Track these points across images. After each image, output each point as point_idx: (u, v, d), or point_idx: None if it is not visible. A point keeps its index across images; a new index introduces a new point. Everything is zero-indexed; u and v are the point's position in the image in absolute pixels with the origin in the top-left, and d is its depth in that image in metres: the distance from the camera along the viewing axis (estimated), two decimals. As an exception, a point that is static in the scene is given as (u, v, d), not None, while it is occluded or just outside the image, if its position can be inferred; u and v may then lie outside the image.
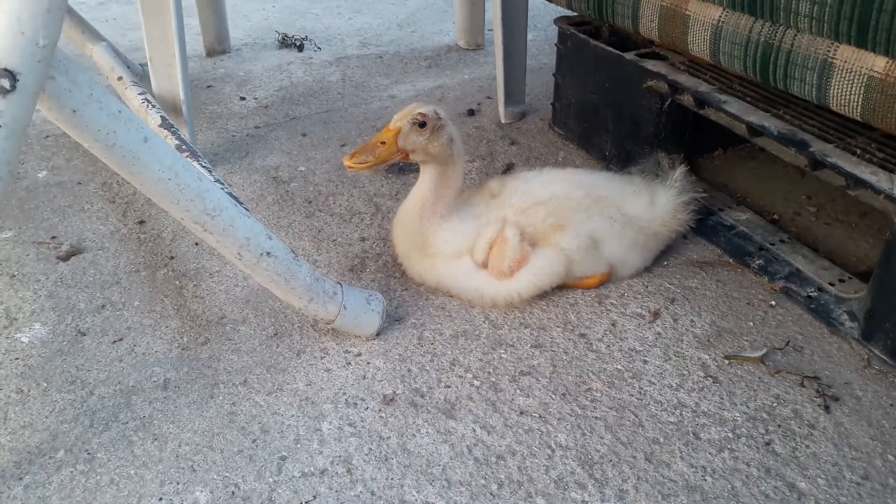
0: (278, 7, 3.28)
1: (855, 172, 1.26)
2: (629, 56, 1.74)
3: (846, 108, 1.29)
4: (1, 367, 1.29)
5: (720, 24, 1.47)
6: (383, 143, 1.32)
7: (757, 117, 1.44)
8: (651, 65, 1.69)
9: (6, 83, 0.76)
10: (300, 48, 2.77)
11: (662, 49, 1.77)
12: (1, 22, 0.76)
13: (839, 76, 1.28)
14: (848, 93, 1.27)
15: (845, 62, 1.26)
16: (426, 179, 1.37)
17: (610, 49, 1.79)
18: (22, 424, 1.18)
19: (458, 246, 1.39)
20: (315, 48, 2.78)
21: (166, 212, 1.71)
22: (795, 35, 1.34)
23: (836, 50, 1.28)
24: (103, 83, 2.29)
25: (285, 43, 2.80)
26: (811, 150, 1.33)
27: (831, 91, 1.30)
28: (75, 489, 1.08)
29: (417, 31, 2.99)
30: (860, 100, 1.25)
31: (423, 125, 1.32)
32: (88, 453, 1.13)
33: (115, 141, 0.92)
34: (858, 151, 1.30)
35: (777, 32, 1.37)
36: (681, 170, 1.50)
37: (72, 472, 1.10)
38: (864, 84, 1.24)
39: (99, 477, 1.09)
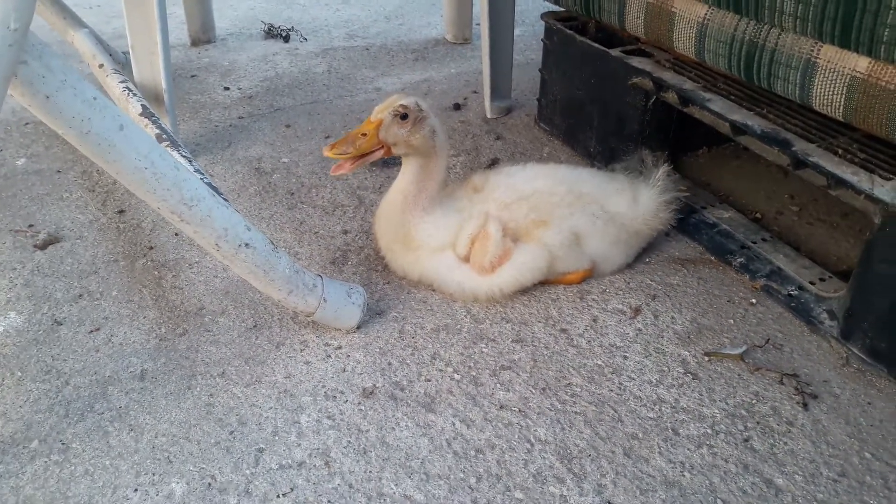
0: (265, -3, 3.25)
1: (836, 172, 1.26)
2: (615, 52, 1.74)
3: (829, 107, 1.29)
4: (-26, 357, 1.27)
5: (706, 21, 1.47)
6: (364, 134, 1.31)
7: (740, 116, 1.45)
8: (636, 62, 1.68)
9: (-23, 66, 0.74)
10: (286, 39, 2.75)
11: (648, 46, 1.77)
12: (-27, 3, 0.74)
13: (822, 76, 1.28)
14: (831, 93, 1.28)
15: (829, 62, 1.27)
16: (408, 172, 1.37)
17: (596, 45, 1.79)
18: (-5, 414, 1.17)
19: (440, 239, 1.38)
20: (301, 39, 2.76)
21: (145, 201, 1.70)
22: (780, 34, 1.34)
23: (819, 49, 1.28)
24: (85, 70, 2.27)
25: (271, 33, 2.78)
26: (794, 149, 1.33)
27: (814, 90, 1.30)
28: (49, 479, 1.06)
29: (405, 23, 2.97)
30: (843, 100, 1.26)
31: (404, 117, 1.31)
32: (63, 443, 1.12)
33: (89, 128, 0.90)
34: (840, 151, 1.31)
35: (762, 31, 1.37)
36: (664, 169, 1.50)
37: (46, 462, 1.09)
38: (846, 84, 1.24)
39: (73, 467, 1.08)
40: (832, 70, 1.27)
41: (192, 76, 2.42)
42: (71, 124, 0.88)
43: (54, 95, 0.85)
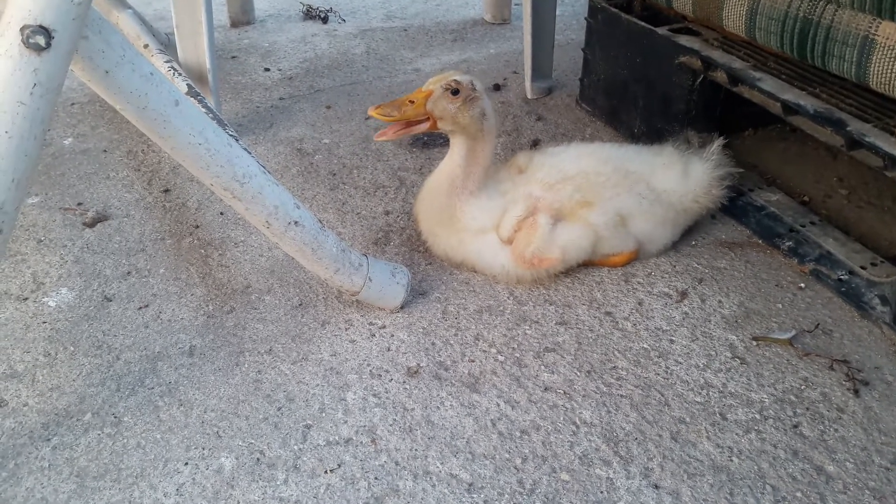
0: (303, -22, 3.25)
1: (893, 153, 1.23)
2: (662, 31, 1.71)
3: (887, 86, 1.26)
4: (29, 331, 1.30)
5: (758, -1, 1.44)
6: (412, 101, 1.31)
7: (792, 95, 1.41)
8: (684, 40, 1.65)
9: (42, 40, 0.75)
10: (325, 20, 2.75)
11: (696, 25, 1.74)
12: (36, -21, 0.75)
13: (880, 53, 1.24)
14: (889, 70, 1.24)
15: (887, 39, 1.23)
16: (455, 154, 1.36)
17: (642, 24, 1.76)
18: (49, 387, 1.19)
19: (484, 222, 1.37)
20: (339, 20, 2.76)
21: (191, 180, 1.72)
22: (836, 10, 1.31)
23: (878, 26, 1.24)
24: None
25: (309, 14, 2.78)
26: (848, 129, 1.30)
27: (872, 69, 1.27)
28: (102, 451, 1.09)
29: (443, 4, 2.95)
30: (902, 78, 1.22)
31: (455, 92, 1.30)
32: (115, 417, 1.14)
33: (146, 104, 0.91)
34: (897, 132, 1.27)
35: (816, 8, 1.33)
36: (718, 143, 1.47)
37: (99, 434, 1.11)
38: (906, 62, 1.21)
39: (125, 440, 1.10)
40: (891, 48, 1.23)
41: (233, 57, 2.43)
42: (129, 99, 0.89)
43: (113, 70, 0.86)
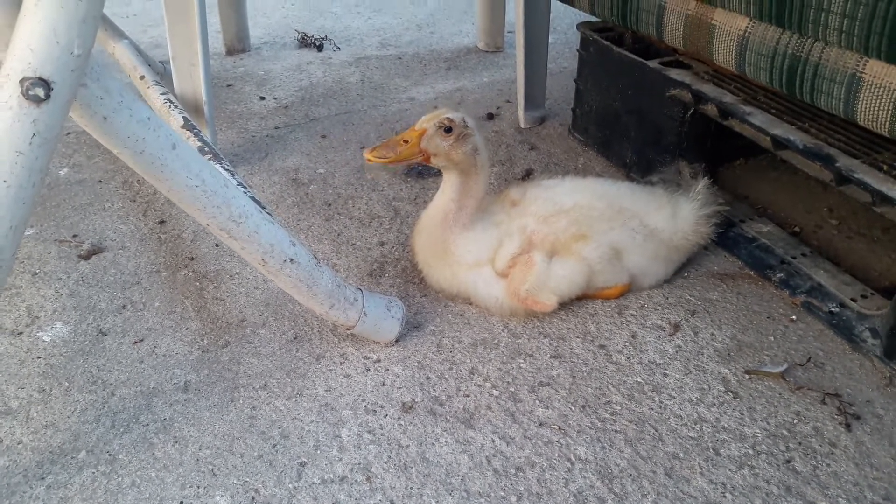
0: (298, 5, 3.28)
1: (882, 189, 1.25)
2: (652, 64, 1.73)
3: (874, 123, 1.28)
4: (23, 366, 1.30)
5: (747, 34, 1.46)
6: (406, 141, 1.32)
7: (782, 130, 1.43)
8: (675, 73, 1.68)
9: (41, 92, 0.76)
10: (319, 48, 2.77)
11: (686, 58, 1.76)
12: (37, 31, 0.76)
13: (868, 91, 1.26)
14: (876, 108, 1.26)
15: (874, 77, 1.25)
16: (448, 189, 1.37)
17: (633, 56, 1.78)
18: (44, 424, 1.19)
19: (478, 255, 1.38)
20: (334, 48, 2.78)
21: (194, 218, 1.72)
22: (824, 48, 1.33)
23: (865, 64, 1.27)
24: (124, 80, 2.30)
25: (305, 42, 2.80)
26: (837, 164, 1.32)
27: (859, 106, 1.29)
28: (97, 490, 1.08)
29: (437, 31, 2.98)
30: (889, 115, 1.24)
31: (448, 130, 1.31)
32: (110, 454, 1.14)
33: (144, 148, 0.92)
34: (885, 167, 1.29)
35: (805, 45, 1.36)
36: (703, 182, 1.49)
37: (93, 472, 1.11)
38: (893, 100, 1.22)
39: (120, 479, 1.10)
40: (878, 85, 1.25)
41: (228, 85, 2.45)
42: (126, 144, 0.90)
43: (111, 117, 0.87)
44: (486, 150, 1.38)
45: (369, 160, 1.30)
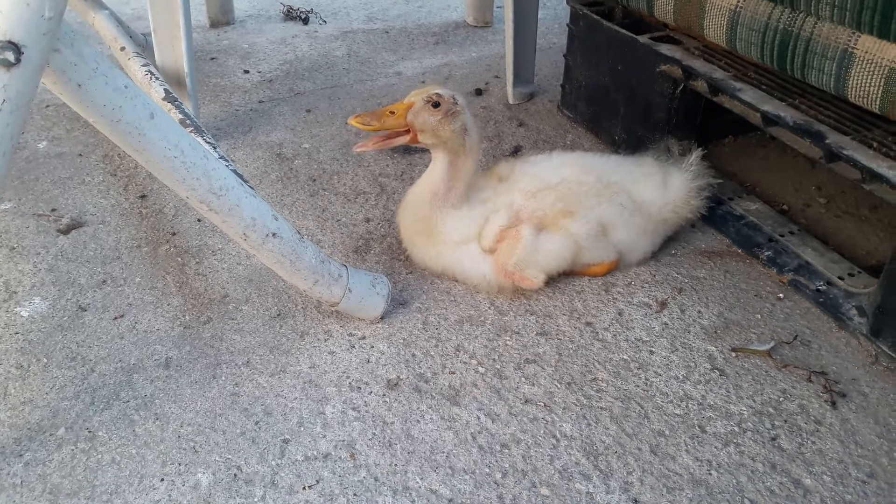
0: (283, -22, 3.22)
1: (871, 166, 1.24)
2: (643, 39, 1.71)
3: (865, 99, 1.27)
4: (0, 342, 1.28)
5: (738, 9, 1.44)
6: (393, 112, 1.30)
7: (772, 106, 1.42)
8: (665, 49, 1.65)
9: (11, 56, 0.73)
10: (305, 21, 2.72)
11: (677, 33, 1.74)
12: (6, -8, 0.73)
13: (859, 67, 1.25)
14: (867, 84, 1.25)
15: (866, 53, 1.24)
16: (437, 168, 1.35)
17: (623, 31, 1.76)
18: (22, 400, 1.17)
19: (465, 233, 1.36)
20: (320, 21, 2.74)
21: (168, 186, 1.69)
22: (815, 23, 1.31)
23: (857, 40, 1.25)
24: (105, 52, 2.25)
25: (290, 15, 2.76)
26: (827, 141, 1.31)
27: (850, 82, 1.27)
28: (76, 467, 1.07)
29: (425, 6, 2.94)
30: (880, 91, 1.23)
31: (436, 105, 1.29)
32: (89, 431, 1.12)
33: (120, 116, 0.89)
34: (875, 144, 1.28)
35: (797, 20, 1.34)
36: (696, 153, 1.48)
37: (73, 450, 1.09)
38: (884, 76, 1.21)
39: (100, 456, 1.08)
40: (869, 61, 1.24)
41: (212, 59, 2.40)
42: (102, 113, 0.87)
43: (86, 84, 0.84)
44: (476, 130, 1.35)
45: (352, 124, 1.28)
